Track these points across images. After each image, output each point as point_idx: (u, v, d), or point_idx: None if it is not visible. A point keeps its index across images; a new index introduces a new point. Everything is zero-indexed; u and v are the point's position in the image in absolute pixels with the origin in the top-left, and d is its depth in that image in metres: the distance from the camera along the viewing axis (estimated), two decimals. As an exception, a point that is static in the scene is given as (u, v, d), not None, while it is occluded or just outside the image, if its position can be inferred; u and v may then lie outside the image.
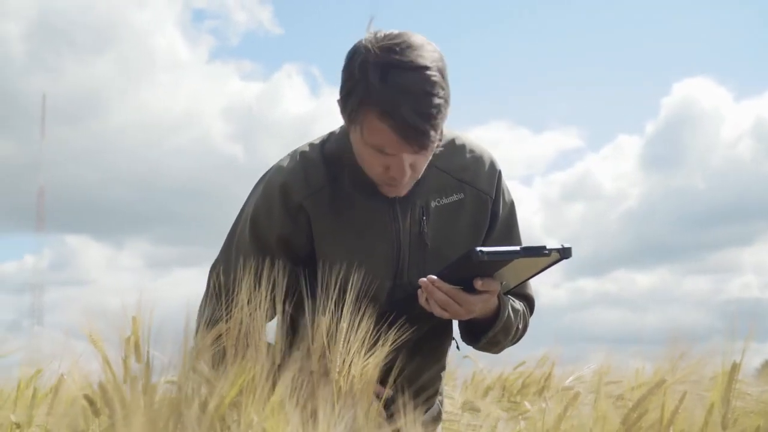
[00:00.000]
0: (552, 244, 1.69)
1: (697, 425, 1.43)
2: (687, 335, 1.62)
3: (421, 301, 1.71)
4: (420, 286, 1.72)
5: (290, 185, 1.83)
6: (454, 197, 1.88)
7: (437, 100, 1.65)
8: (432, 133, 1.66)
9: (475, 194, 1.90)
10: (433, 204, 1.86)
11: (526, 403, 1.60)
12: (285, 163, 1.88)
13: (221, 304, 1.73)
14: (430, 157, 1.78)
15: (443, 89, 1.67)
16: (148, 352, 1.31)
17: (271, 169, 1.91)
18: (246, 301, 1.50)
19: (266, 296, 1.49)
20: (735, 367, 1.49)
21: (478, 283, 1.69)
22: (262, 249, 1.83)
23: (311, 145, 1.89)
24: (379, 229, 1.84)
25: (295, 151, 1.90)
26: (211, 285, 1.86)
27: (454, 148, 1.91)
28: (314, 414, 1.14)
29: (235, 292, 1.68)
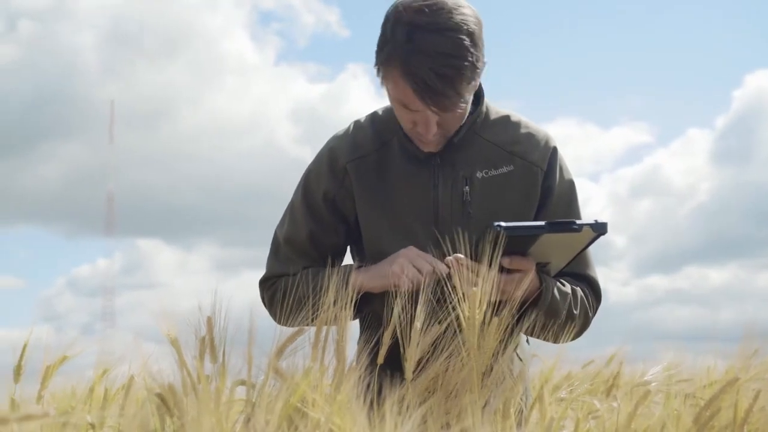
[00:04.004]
0: (584, 219, 1.65)
1: (772, 424, 1.39)
2: (761, 332, 1.58)
3: (454, 281, 1.63)
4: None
5: (337, 149, 1.96)
6: (504, 169, 1.89)
7: (459, 63, 1.69)
8: (452, 94, 1.70)
9: (526, 166, 1.90)
10: (479, 175, 1.88)
11: (595, 402, 1.58)
12: (340, 132, 2.01)
13: (276, 257, 2.02)
14: (464, 118, 1.83)
15: (470, 53, 1.70)
16: (223, 352, 1.32)
17: (332, 136, 2.03)
18: (333, 301, 1.51)
19: (352, 297, 1.51)
20: (811, 364, 1.45)
21: (506, 261, 1.65)
22: (311, 208, 1.98)
23: (368, 114, 2.00)
24: (417, 195, 1.89)
25: (354, 121, 2.02)
26: (271, 243, 2.06)
27: (508, 123, 1.95)
28: (381, 413, 1.14)
29: (283, 246, 2.00)
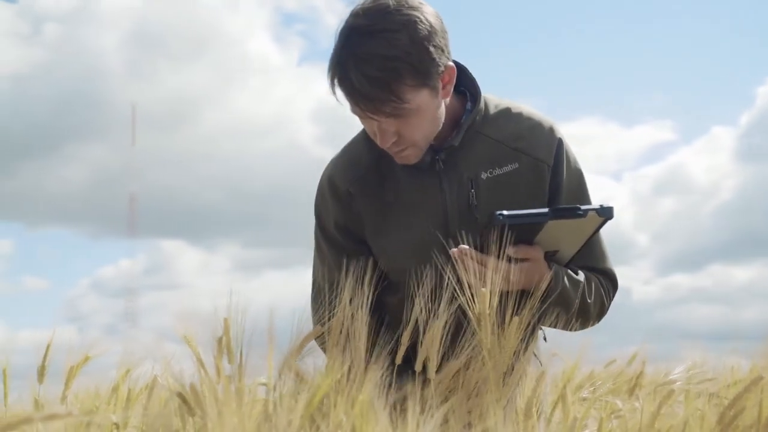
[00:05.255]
0: (589, 205, 1.62)
1: (797, 424, 1.38)
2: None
3: (460, 274, 1.59)
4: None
5: (335, 176, 1.90)
6: (509, 167, 1.82)
7: (393, 64, 1.62)
8: (386, 98, 1.64)
9: (532, 163, 1.83)
10: (484, 175, 1.81)
11: (618, 402, 1.57)
12: (334, 157, 1.95)
13: (318, 301, 1.92)
14: (438, 123, 1.75)
15: (409, 53, 1.63)
16: (240, 352, 1.32)
17: (326, 164, 1.97)
18: (348, 301, 1.51)
19: (368, 297, 1.50)
20: (836, 363, 1.43)
21: (511, 250, 1.60)
22: (330, 241, 1.93)
23: (363, 128, 1.91)
24: (425, 204, 1.83)
25: (350, 140, 1.95)
26: (312, 283, 2.00)
27: (509, 117, 1.87)
28: (403, 413, 1.14)
29: (326, 288, 1.88)
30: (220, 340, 1.32)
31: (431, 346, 1.53)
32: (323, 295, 1.92)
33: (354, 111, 1.71)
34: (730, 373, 1.69)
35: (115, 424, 1.74)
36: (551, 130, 1.87)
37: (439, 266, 1.70)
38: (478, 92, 1.85)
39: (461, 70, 1.82)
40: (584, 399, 1.65)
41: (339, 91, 1.69)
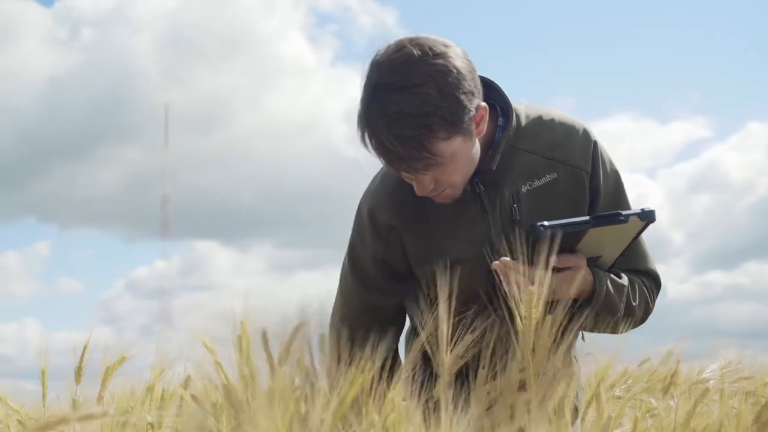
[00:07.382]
0: (631, 209, 1.60)
1: (835, 422, 1.37)
2: (822, 328, 1.55)
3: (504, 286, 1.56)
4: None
5: (376, 209, 1.86)
6: (547, 178, 1.78)
7: (425, 120, 1.57)
8: (420, 156, 1.60)
9: (570, 171, 1.79)
10: (524, 189, 1.78)
11: (652, 401, 1.56)
12: (372, 186, 1.91)
13: (336, 325, 1.90)
14: (472, 163, 1.72)
15: (440, 105, 1.57)
16: (248, 355, 1.32)
17: (364, 192, 1.93)
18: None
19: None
20: None
21: (554, 260, 1.54)
22: (361, 275, 1.91)
23: None
24: (469, 226, 1.80)
25: (381, 169, 1.91)
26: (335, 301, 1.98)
27: (541, 125, 1.82)
28: (436, 412, 1.14)
29: (337, 318, 1.91)
30: (239, 341, 1.32)
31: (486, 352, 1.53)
32: (334, 317, 1.96)
33: (386, 166, 1.69)
34: (767, 371, 1.68)
35: (150, 424, 1.76)
36: (585, 134, 1.84)
37: (486, 283, 1.70)
38: (508, 106, 1.80)
39: (489, 86, 1.78)
40: (618, 397, 1.63)
41: (366, 144, 1.65)
